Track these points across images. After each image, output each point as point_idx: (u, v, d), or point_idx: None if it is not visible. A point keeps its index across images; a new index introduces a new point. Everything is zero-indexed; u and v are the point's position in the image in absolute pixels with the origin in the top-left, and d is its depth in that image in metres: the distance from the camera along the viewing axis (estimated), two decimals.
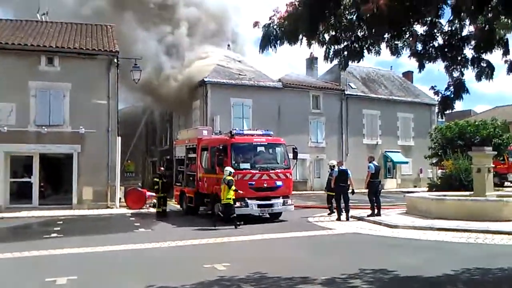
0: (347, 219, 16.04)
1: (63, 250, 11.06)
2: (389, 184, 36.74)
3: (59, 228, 15.15)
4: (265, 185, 16.04)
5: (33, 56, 20.85)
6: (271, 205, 16.16)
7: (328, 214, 17.58)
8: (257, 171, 16.04)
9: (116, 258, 10.32)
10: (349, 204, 16.50)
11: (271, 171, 16.29)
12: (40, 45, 20.95)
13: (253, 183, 15.84)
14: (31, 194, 20.67)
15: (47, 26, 24.04)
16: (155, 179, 19.36)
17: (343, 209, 16.34)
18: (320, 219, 16.71)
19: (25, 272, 9.05)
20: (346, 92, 36.53)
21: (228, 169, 15.12)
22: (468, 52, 7.54)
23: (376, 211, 16.24)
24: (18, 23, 23.83)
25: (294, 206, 17.54)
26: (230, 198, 14.71)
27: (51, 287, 7.68)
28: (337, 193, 16.56)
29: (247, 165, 16.13)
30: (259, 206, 15.91)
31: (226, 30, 36.74)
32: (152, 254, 10.80)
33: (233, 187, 14.78)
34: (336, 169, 16.91)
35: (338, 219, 16.18)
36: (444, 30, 7.33)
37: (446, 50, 7.46)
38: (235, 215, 14.81)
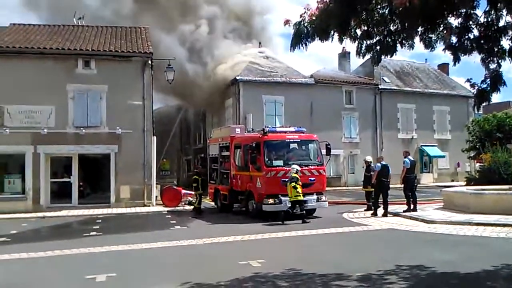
0: (386, 215, 15.82)
1: (102, 248, 11.34)
2: (426, 179, 36.13)
3: (98, 227, 15.56)
4: None
5: (71, 59, 21.44)
6: (305, 202, 16.12)
7: (365, 210, 17.40)
8: (291, 168, 16.02)
9: (153, 256, 10.53)
10: (413, 198, 16.23)
11: (304, 168, 16.25)
12: (77, 48, 21.53)
13: (287, 179, 15.84)
14: (71, 194, 21.30)
15: (83, 30, 24.69)
16: (195, 177, 19.48)
17: (380, 205, 16.13)
18: (355, 215, 16.60)
19: (66, 269, 9.32)
20: (380, 86, 36.09)
21: (295, 167, 15.42)
22: (506, 43, 7.37)
23: (412, 206, 16.03)
24: (55, 28, 24.55)
25: (328, 202, 17.46)
26: (299, 194, 14.87)
27: (91, 284, 7.90)
28: (377, 189, 16.28)
29: (280, 162, 16.15)
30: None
31: (255, 28, 36.87)
32: (187, 251, 10.97)
33: (299, 183, 14.97)
34: (378, 164, 16.54)
35: (374, 214, 16.00)
36: (479, 22, 7.17)
37: (482, 42, 7.31)
38: (304, 211, 15.09)
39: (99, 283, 7.97)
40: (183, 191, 21.92)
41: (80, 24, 26.39)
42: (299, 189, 14.89)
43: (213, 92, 32.15)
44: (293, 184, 14.88)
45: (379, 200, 16.19)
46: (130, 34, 24.49)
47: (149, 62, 22.13)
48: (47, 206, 20.58)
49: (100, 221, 17.27)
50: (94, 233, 14.22)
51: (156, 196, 22.35)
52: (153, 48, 23.14)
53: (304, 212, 15.12)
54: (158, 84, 24.72)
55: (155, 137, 22.56)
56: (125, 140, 21.48)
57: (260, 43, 36.17)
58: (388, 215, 16.00)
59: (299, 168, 15.40)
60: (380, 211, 16.06)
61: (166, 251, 11.06)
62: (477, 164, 31.55)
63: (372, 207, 16.45)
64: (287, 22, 7.19)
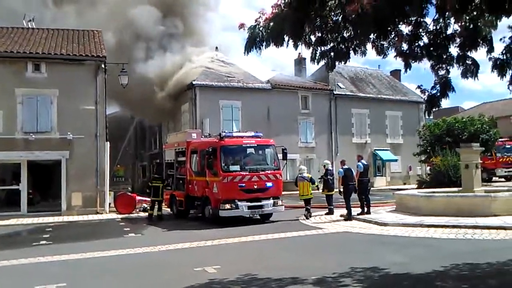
0: (369, 213, 16.16)
1: (53, 257, 10.97)
2: (379, 182, 36.97)
3: (48, 235, 15.04)
4: (255, 187, 16.05)
5: (20, 63, 20.70)
6: (261, 206, 16.17)
7: (326, 213, 17.58)
8: (247, 173, 16.04)
9: (106, 264, 10.26)
10: (367, 201, 16.56)
11: (261, 173, 16.31)
12: (27, 51, 20.79)
13: (243, 184, 15.85)
14: (20, 202, 20.51)
15: (34, 33, 23.88)
16: (157, 183, 18.71)
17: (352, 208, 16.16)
18: (311, 219, 16.74)
19: (14, 280, 8.96)
20: (335, 92, 36.73)
21: (303, 167, 17.82)
22: (454, 50, 7.62)
23: (366, 209, 16.34)
24: (4, 30, 23.61)
25: (285, 207, 17.56)
26: (311, 193, 17.04)
27: None
28: (347, 192, 16.33)
29: (237, 167, 16.13)
30: (249, 207, 15.92)
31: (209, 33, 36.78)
32: (142, 259, 10.75)
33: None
34: (340, 169, 16.81)
35: (349, 219, 15.71)
36: (429, 29, 7.38)
37: (431, 49, 7.52)
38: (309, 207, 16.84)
39: None
40: (138, 198, 21.52)
41: (30, 26, 25.54)
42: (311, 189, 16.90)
43: (166, 101, 31.83)
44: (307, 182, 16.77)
45: (352, 203, 16.23)
46: (83, 37, 23.86)
47: (103, 66, 21.63)
48: None
49: (50, 229, 16.70)
50: (44, 242, 13.74)
51: (110, 203, 21.81)
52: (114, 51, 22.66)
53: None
54: (112, 91, 24.16)
55: (108, 143, 22.03)
56: (77, 146, 20.88)
57: (216, 47, 36.12)
58: (342, 217, 16.20)
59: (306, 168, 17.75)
60: (354, 213, 16.10)
61: (120, 259, 10.80)
62: (428, 168, 32.59)
63: (346, 211, 16.13)
64: (242, 25, 7.18)
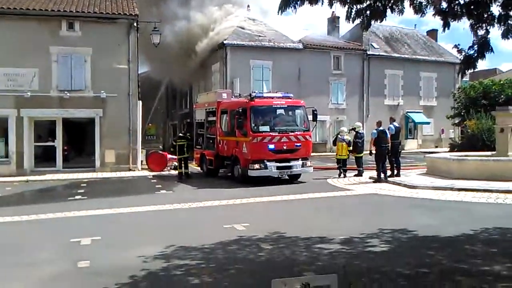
0: (399, 175, 15.99)
1: (87, 212, 11.38)
2: (410, 145, 36.50)
3: (82, 191, 15.56)
4: (284, 147, 16.10)
5: (54, 21, 20.88)
6: (290, 167, 16.26)
7: (355, 175, 17.57)
8: (277, 134, 16.07)
9: (139, 219, 10.60)
10: (385, 165, 16.22)
11: (290, 134, 16.30)
12: (61, 10, 20.92)
13: (273, 145, 15.91)
14: (55, 158, 21.14)
15: None
16: (181, 141, 18.75)
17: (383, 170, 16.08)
18: (339, 180, 16.77)
19: (51, 233, 9.33)
20: (368, 52, 35.87)
21: (344, 129, 18.84)
22: (495, 9, 7.30)
23: (395, 171, 16.21)
24: None
25: (314, 168, 17.60)
26: (348, 154, 17.86)
27: (75, 248, 7.93)
28: (379, 154, 16.06)
29: (267, 128, 16.16)
30: (278, 168, 16.03)
31: None
32: (173, 215, 11.06)
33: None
34: (374, 131, 16.37)
35: (378, 180, 15.79)
36: None
37: (472, 7, 7.21)
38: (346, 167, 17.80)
39: (84, 246, 8.01)
40: (169, 156, 21.89)
41: None
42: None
43: (197, 61, 31.79)
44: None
45: (386, 165, 16.13)
46: None
47: (135, 24, 21.65)
48: (31, 170, 20.46)
49: (85, 185, 17.25)
50: (79, 197, 14.24)
51: (142, 161, 22.30)
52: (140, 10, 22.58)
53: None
54: (144, 48, 24.26)
55: (140, 102, 22.33)
56: (110, 104, 21.22)
57: (248, 6, 35.55)
58: (372, 179, 16.20)
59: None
60: (384, 175, 16.02)
61: (152, 215, 11.12)
62: (461, 131, 31.88)
63: (376, 173, 16.19)
64: None
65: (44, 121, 21.59)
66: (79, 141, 23.32)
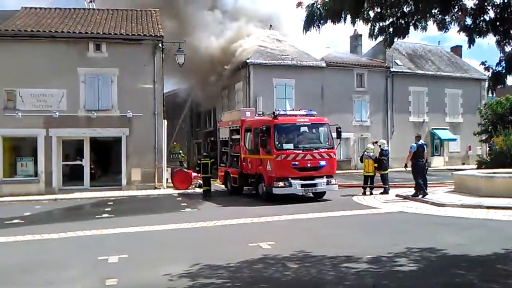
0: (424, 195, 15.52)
1: (114, 230, 11.50)
2: (436, 162, 35.94)
3: (110, 209, 15.75)
4: (309, 165, 16.05)
5: (82, 43, 21.49)
6: (314, 185, 16.19)
7: (381, 193, 17.37)
8: (301, 151, 16.05)
9: (164, 237, 10.66)
10: (424, 181, 15.74)
11: (314, 151, 16.27)
12: (88, 32, 21.56)
13: (297, 163, 15.88)
14: (83, 176, 21.50)
15: (94, 14, 24.69)
16: (205, 160, 18.95)
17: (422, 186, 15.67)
18: (365, 198, 16.60)
19: (79, 250, 9.46)
20: (392, 69, 35.72)
21: (371, 146, 18.70)
22: None
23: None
24: (66, 11, 24.53)
25: (338, 185, 17.48)
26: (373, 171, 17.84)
27: (103, 265, 8.01)
28: (417, 170, 15.66)
29: (291, 146, 16.17)
30: (302, 185, 15.97)
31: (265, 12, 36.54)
32: (198, 233, 11.09)
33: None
34: (413, 144, 15.79)
35: (424, 196, 15.36)
36: (495, 3, 7.05)
37: (497, 23, 7.18)
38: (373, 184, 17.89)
39: (111, 264, 8.09)
40: (193, 174, 22.04)
41: (90, 7, 26.36)
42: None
43: (226, 74, 32.20)
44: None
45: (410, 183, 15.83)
46: (141, 17, 24.43)
47: (160, 45, 22.09)
48: (60, 189, 20.84)
49: (111, 203, 17.46)
50: (106, 215, 14.41)
51: (167, 179, 22.51)
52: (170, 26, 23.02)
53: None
54: (169, 66, 24.70)
55: (165, 121, 22.65)
56: (136, 123, 21.57)
57: (270, 25, 35.90)
58: (398, 198, 16.01)
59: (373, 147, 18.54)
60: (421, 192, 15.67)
61: (177, 233, 11.19)
62: (488, 148, 31.27)
63: (415, 190, 15.85)
64: (299, 4, 7.12)
65: (72, 141, 22.02)
66: (106, 159, 23.70)
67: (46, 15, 23.57)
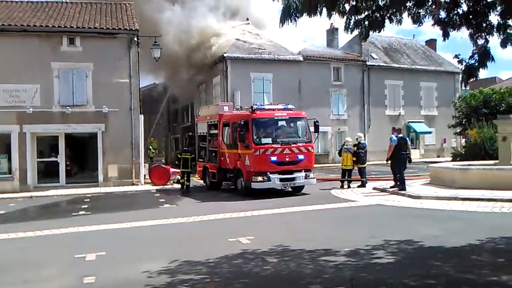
0: (394, 187, 15.71)
1: (91, 227, 11.35)
2: (413, 155, 36.16)
3: (86, 206, 15.54)
4: (287, 159, 16.09)
5: (55, 37, 21.07)
6: (293, 179, 16.25)
7: (358, 186, 17.57)
8: (279, 146, 16.07)
9: (143, 234, 10.57)
10: (403, 175, 15.77)
11: (292, 145, 16.31)
12: (62, 26, 21.13)
13: (275, 157, 15.91)
14: (58, 173, 21.17)
15: (67, 7, 24.20)
16: (186, 155, 18.95)
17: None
18: (343, 192, 16.74)
19: (55, 249, 9.31)
20: (368, 63, 36.06)
21: (349, 139, 18.94)
22: (494, 18, 7.34)
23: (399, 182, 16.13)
24: (38, 5, 24.03)
25: (317, 179, 17.59)
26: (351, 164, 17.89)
27: (80, 263, 7.89)
28: (399, 163, 15.71)
29: (269, 140, 16.18)
30: (281, 180, 16.01)
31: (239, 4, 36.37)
32: (177, 229, 11.02)
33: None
34: (394, 137, 15.81)
35: (403, 189, 15.30)
36: None
37: (470, 17, 7.27)
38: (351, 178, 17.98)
39: (88, 261, 7.97)
40: (172, 170, 21.90)
41: (64, 0, 25.85)
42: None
43: (203, 69, 32.01)
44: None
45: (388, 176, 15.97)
46: (115, 11, 24.06)
47: (135, 39, 21.80)
48: (35, 186, 20.48)
49: (88, 200, 17.23)
50: (82, 212, 14.22)
51: (145, 175, 22.31)
52: (140, 24, 22.77)
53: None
54: (146, 61, 24.44)
55: (142, 116, 22.40)
56: (112, 119, 21.29)
57: (247, 19, 35.79)
58: (375, 191, 16.18)
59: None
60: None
61: (156, 229, 11.10)
62: (463, 140, 31.86)
63: (395, 182, 15.97)
64: None
65: (47, 137, 21.65)
66: (82, 156, 23.34)
67: (18, 8, 23.02)
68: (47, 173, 21.42)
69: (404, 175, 15.97)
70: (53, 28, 20.89)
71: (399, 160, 15.72)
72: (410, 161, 16.16)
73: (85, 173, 23.07)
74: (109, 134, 21.33)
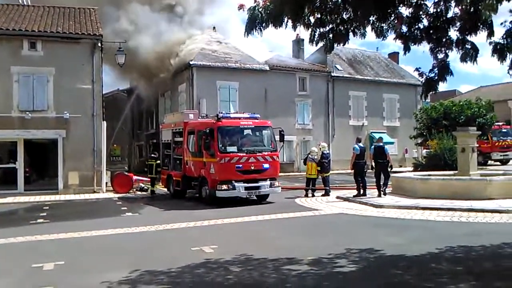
0: (357, 196, 16.14)
1: (50, 236, 11.03)
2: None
3: (45, 214, 15.08)
4: (252, 168, 16.11)
5: (16, 40, 20.51)
6: (258, 187, 16.25)
7: (322, 195, 17.75)
8: (244, 154, 16.08)
9: (103, 243, 10.34)
10: (363, 183, 16.46)
11: (258, 154, 16.34)
12: (22, 29, 20.56)
13: (240, 166, 15.89)
14: (16, 180, 20.50)
15: (29, 10, 23.61)
16: (151, 161, 19.64)
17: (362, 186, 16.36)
18: (307, 200, 16.85)
19: (12, 258, 9.01)
20: (333, 74, 36.60)
21: (315, 149, 19.05)
22: (453, 33, 7.57)
23: (362, 191, 16.42)
24: None
25: (282, 188, 17.66)
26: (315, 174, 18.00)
27: (38, 273, 7.66)
28: (357, 170, 16.40)
29: (234, 148, 16.16)
30: (246, 188, 16.00)
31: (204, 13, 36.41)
32: (139, 238, 10.83)
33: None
34: (356, 146, 16.63)
35: (364, 194, 16.13)
36: (429, 12, 7.33)
37: (431, 32, 7.47)
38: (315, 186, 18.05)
39: (46, 271, 7.74)
40: (135, 177, 21.57)
41: (25, 3, 25.22)
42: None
43: (166, 76, 31.77)
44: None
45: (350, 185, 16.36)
46: (79, 15, 23.61)
47: (99, 44, 21.46)
48: None
49: (47, 208, 16.74)
50: (41, 220, 13.79)
51: (107, 183, 21.88)
52: (103, 28, 22.47)
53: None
54: (109, 66, 24.13)
55: (105, 122, 22.00)
56: (73, 125, 20.82)
57: (214, 27, 35.80)
58: (338, 200, 16.38)
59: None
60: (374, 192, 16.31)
61: (117, 238, 10.88)
62: (424, 151, 32.63)
63: (357, 190, 16.50)
64: (241, 6, 7.10)
65: (5, 142, 21.02)
66: (42, 162, 22.70)
67: None
68: (5, 180, 20.76)
69: (367, 184, 16.51)
70: (13, 32, 20.33)
71: (358, 167, 16.33)
72: (391, 168, 16.67)
73: (45, 180, 22.45)
74: (70, 141, 20.84)
